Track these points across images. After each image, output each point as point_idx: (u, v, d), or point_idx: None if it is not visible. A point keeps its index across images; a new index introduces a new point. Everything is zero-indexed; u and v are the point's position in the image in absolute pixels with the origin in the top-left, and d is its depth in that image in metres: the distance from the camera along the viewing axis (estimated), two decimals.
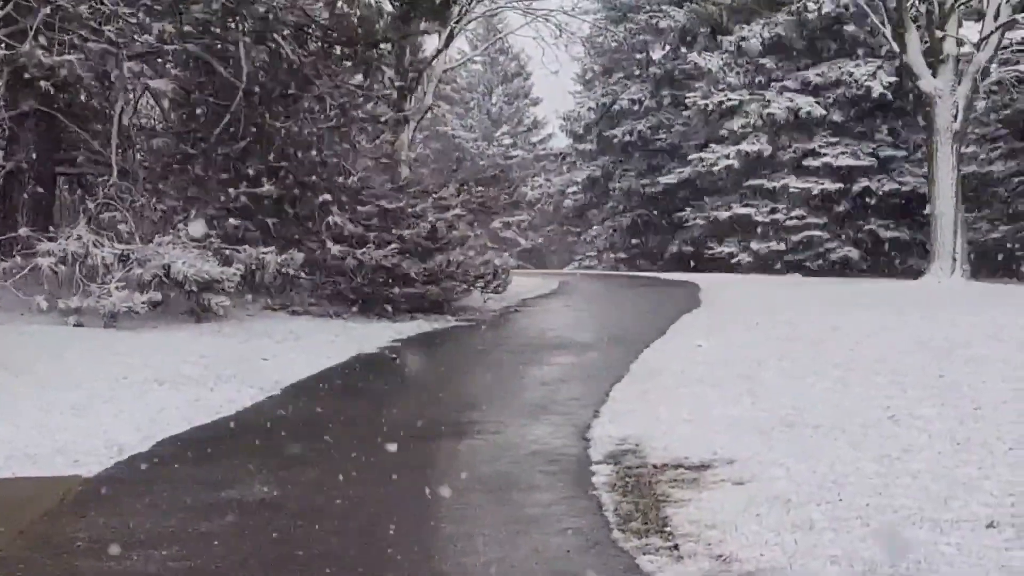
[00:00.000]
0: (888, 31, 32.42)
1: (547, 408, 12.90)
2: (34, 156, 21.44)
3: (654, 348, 17.08)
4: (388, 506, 8.83)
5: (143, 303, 18.04)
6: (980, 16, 31.58)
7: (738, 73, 47.18)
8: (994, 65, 32.13)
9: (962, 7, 31.32)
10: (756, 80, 46.80)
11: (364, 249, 21.06)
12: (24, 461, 10.29)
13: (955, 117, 31.08)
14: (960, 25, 31.90)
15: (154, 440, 11.19)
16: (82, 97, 21.31)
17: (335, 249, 21.04)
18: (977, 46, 31.24)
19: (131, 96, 21.06)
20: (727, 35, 47.35)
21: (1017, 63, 33.36)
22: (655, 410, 11.93)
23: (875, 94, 43.66)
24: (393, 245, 21.36)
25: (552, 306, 26.80)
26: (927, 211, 40.18)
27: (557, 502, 8.77)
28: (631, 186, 54.81)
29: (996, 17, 30.46)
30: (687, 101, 49.58)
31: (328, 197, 21.45)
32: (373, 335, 19.78)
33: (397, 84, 24.69)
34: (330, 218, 21.25)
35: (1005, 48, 32.62)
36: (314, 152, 21.78)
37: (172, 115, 22.59)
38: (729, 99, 46.75)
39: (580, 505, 8.58)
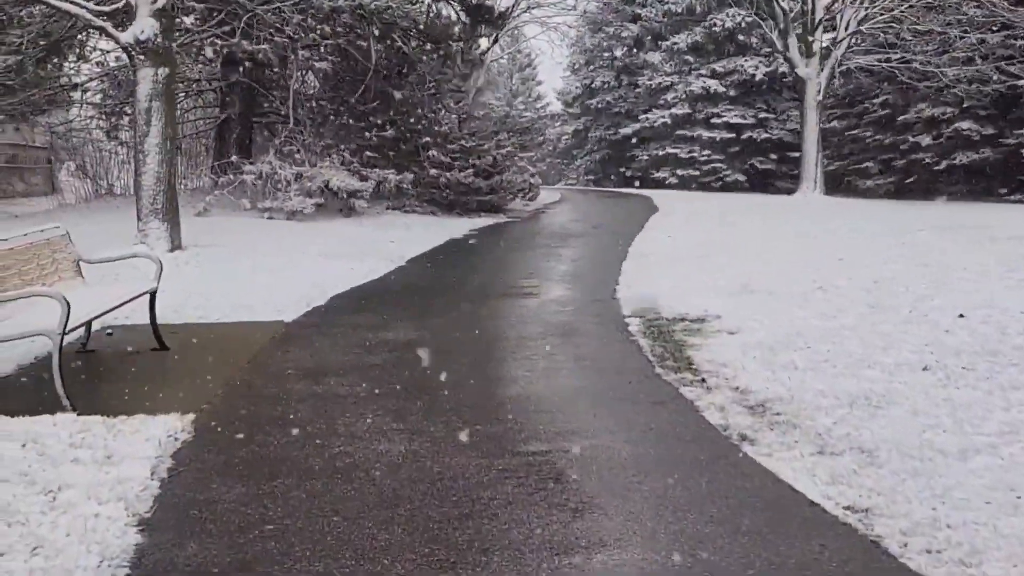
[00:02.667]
0: (775, 36, 31.22)
1: (582, 278, 11.82)
2: (238, 111, 20.53)
3: (639, 239, 15.99)
4: (490, 345, 7.79)
5: (312, 204, 17.11)
6: (836, 26, 30.20)
7: (671, 64, 46.47)
8: (847, 57, 30.68)
9: (824, 21, 30.01)
10: (682, 69, 45.96)
11: (451, 172, 20.24)
12: (242, 310, 9.30)
13: (819, 92, 30.20)
14: (824, 31, 30.60)
15: (328, 295, 10.17)
16: (268, 73, 20.60)
17: (432, 172, 20.27)
18: (834, 45, 29.90)
19: (300, 73, 19.94)
20: (665, 41, 46.53)
21: (857, 58, 31.79)
22: (655, 281, 10.83)
23: (757, 79, 43.24)
24: (470, 170, 20.50)
25: (563, 209, 25.63)
26: (797, 153, 39.95)
27: (608, 344, 7.73)
28: (601, 135, 54.30)
29: (847, 28, 29.40)
30: (638, 82, 48.85)
31: (428, 139, 20.63)
32: (457, 226, 18.76)
33: (463, 72, 23.42)
34: (430, 152, 20.32)
35: (851, 48, 31.23)
36: (419, 110, 20.72)
37: (325, 86, 21.36)
38: (665, 81, 46.19)
39: (625, 348, 7.53)
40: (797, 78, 31.05)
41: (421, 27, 19.98)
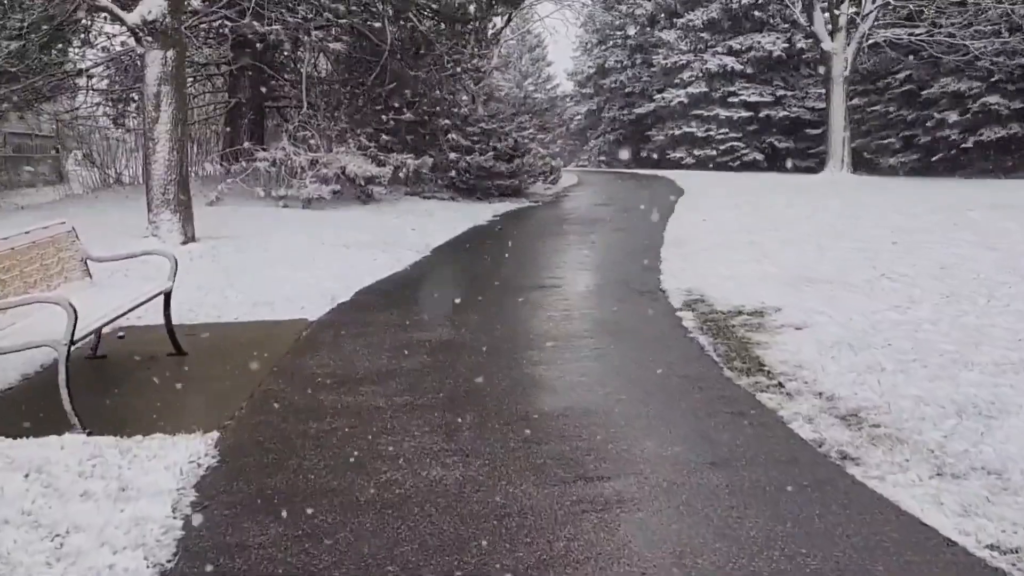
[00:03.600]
0: (798, 10, 30.40)
1: (621, 267, 11.15)
2: (249, 96, 19.89)
3: (672, 223, 15.30)
4: (535, 345, 7.10)
5: (329, 192, 16.48)
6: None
7: (687, 42, 45.64)
8: (873, 31, 29.76)
9: None
10: (698, 47, 45.18)
11: (471, 156, 19.56)
12: (264, 307, 8.68)
13: (845, 67, 29.38)
14: (849, 4, 29.69)
15: (353, 290, 9.55)
16: (279, 57, 19.91)
17: (452, 155, 19.62)
18: (861, 19, 29.04)
19: (312, 55, 19.26)
20: (680, 18, 45.59)
21: (883, 31, 30.81)
22: (701, 270, 10.17)
23: (774, 56, 42.36)
24: (490, 153, 19.81)
25: (584, 192, 24.92)
26: (815, 131, 39.50)
27: (665, 342, 7.07)
28: (615, 115, 53.99)
29: (873, 0, 28.50)
30: (653, 61, 48.31)
31: (447, 122, 19.96)
32: (479, 212, 18.13)
33: (479, 52, 22.67)
34: (449, 135, 19.63)
35: (878, 21, 30.32)
36: (437, 92, 19.98)
37: (338, 68, 20.67)
38: (681, 59, 45.35)
39: (685, 346, 6.88)
40: (822, 53, 30.28)
41: (435, 6, 19.27)
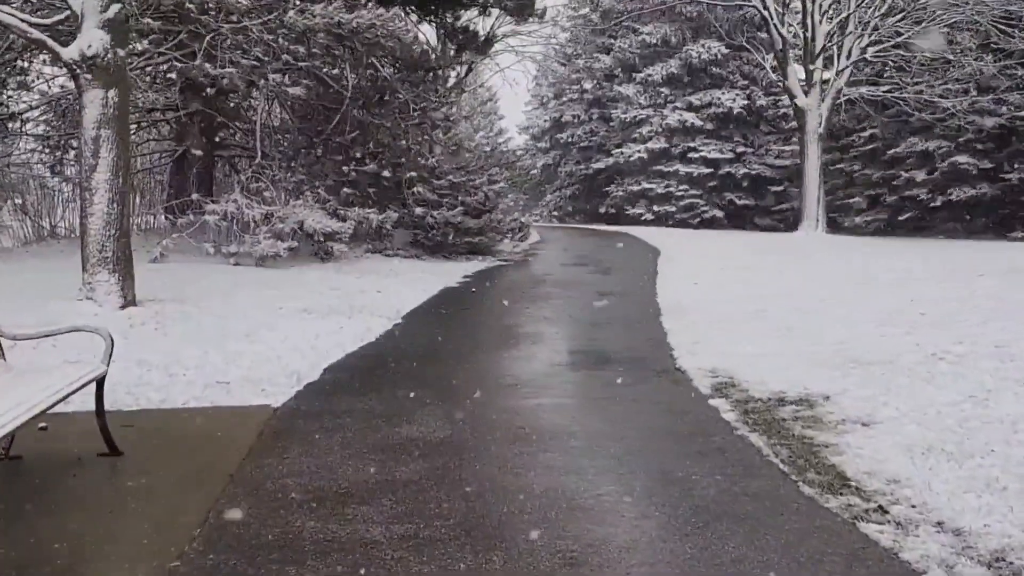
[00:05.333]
0: (768, 64, 30.01)
1: (623, 340, 9.90)
2: (198, 144, 18.55)
3: (662, 288, 14.15)
4: (548, 451, 5.86)
5: (285, 249, 15.15)
6: (840, 49, 28.79)
7: (646, 97, 45.06)
8: (846, 88, 29.22)
9: (825, 51, 28.62)
10: (657, 102, 44.60)
11: (439, 211, 18.35)
12: (218, 389, 7.37)
13: (820, 124, 28.69)
14: (825, 62, 29.21)
15: (320, 368, 8.24)
16: (232, 103, 18.62)
17: (418, 210, 18.37)
18: (836, 75, 28.54)
19: (267, 103, 18.07)
20: (639, 72, 44.82)
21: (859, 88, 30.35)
22: (716, 344, 9.01)
23: (734, 112, 42.06)
24: (459, 208, 18.61)
25: (553, 251, 23.58)
26: (777, 188, 39.05)
27: (710, 442, 5.83)
28: (572, 170, 53.05)
29: (848, 56, 28.01)
30: (612, 115, 47.61)
31: (413, 174, 18.63)
32: (448, 272, 16.89)
33: (447, 99, 21.61)
34: (415, 188, 18.38)
35: (853, 78, 29.87)
36: (402, 142, 18.73)
37: (294, 116, 19.42)
38: (640, 114, 44.80)
39: (737, 449, 5.65)
40: (796, 109, 29.67)
41: (397, 53, 18.20)
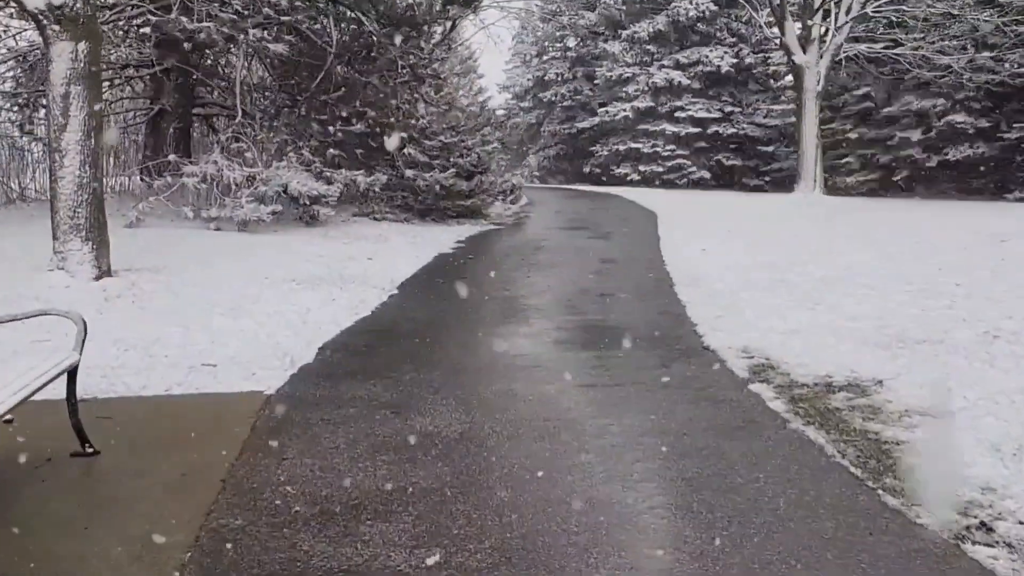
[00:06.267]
0: (762, 21, 29.16)
1: (640, 313, 9.20)
2: (174, 102, 17.71)
3: (669, 254, 13.45)
4: (580, 444, 5.26)
5: (268, 213, 14.35)
6: (838, 5, 28.01)
7: (632, 55, 44.22)
8: (846, 44, 28.41)
9: (824, 5, 27.82)
10: (644, 60, 43.81)
11: (431, 173, 17.53)
12: (203, 373, 6.67)
13: (818, 82, 27.96)
14: (824, 16, 28.35)
15: (315, 347, 7.56)
16: (209, 60, 17.75)
17: (409, 172, 17.52)
18: (836, 30, 27.69)
19: (247, 59, 17.17)
20: (624, 30, 44.06)
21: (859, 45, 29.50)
22: (743, 319, 8.37)
23: (722, 71, 41.35)
24: (451, 170, 17.81)
25: (545, 213, 22.65)
26: (767, 148, 38.40)
27: (762, 438, 5.19)
28: (555, 130, 52.13)
29: (848, 12, 27.22)
30: (596, 74, 46.89)
31: (403, 135, 17.70)
32: (440, 237, 16.17)
33: (439, 56, 20.70)
34: (405, 150, 17.55)
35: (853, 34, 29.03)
36: (392, 100, 17.83)
37: (276, 74, 18.53)
38: (626, 72, 43.99)
39: (793, 446, 5.02)
40: (794, 66, 28.84)
41: (381, 8, 17.31)
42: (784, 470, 4.61)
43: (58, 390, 5.17)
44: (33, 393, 4.40)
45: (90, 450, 4.99)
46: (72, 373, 4.98)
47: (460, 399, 5.99)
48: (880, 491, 4.29)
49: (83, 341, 5.05)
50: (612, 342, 7.75)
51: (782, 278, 10.45)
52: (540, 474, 4.58)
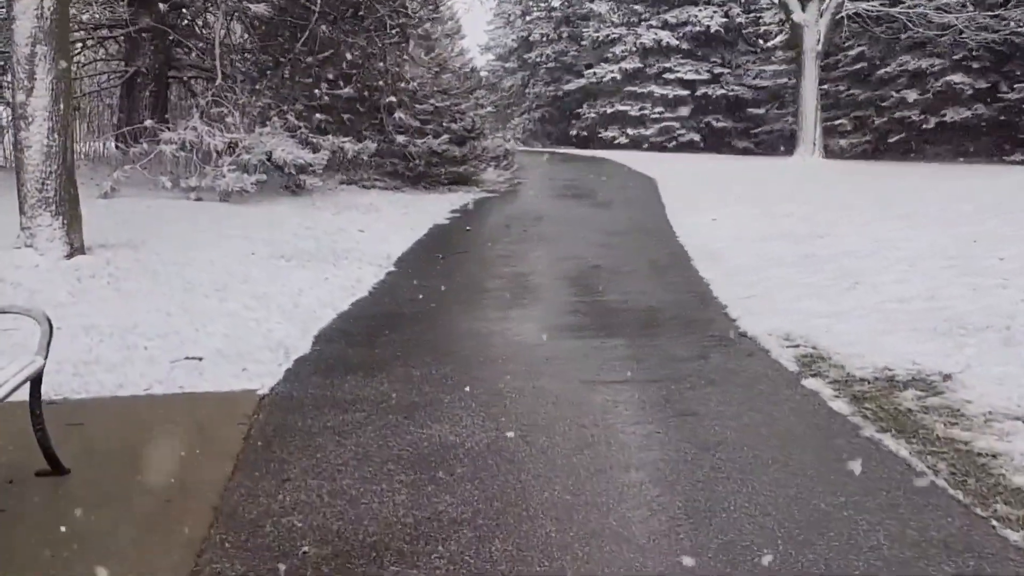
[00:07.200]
0: None
1: (667, 297, 8.43)
2: (150, 64, 16.78)
3: (677, 225, 12.74)
4: (657, 476, 4.60)
5: (253, 183, 13.52)
6: None
7: (619, 15, 43.45)
8: (848, 3, 27.56)
9: None
10: (631, 20, 42.99)
11: (423, 139, 16.71)
12: (188, 369, 5.98)
13: (818, 41, 27.14)
14: None
15: (311, 335, 6.88)
16: (186, 20, 16.81)
17: (400, 138, 16.67)
18: None
19: (226, 19, 16.22)
20: None
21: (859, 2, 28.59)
22: (775, 301, 7.70)
23: (712, 30, 40.48)
24: (444, 136, 16.99)
25: (538, 180, 21.68)
26: (757, 111, 37.64)
27: (831, 445, 4.53)
28: (541, 91, 51.01)
29: None
30: (583, 34, 45.86)
31: (393, 99, 16.84)
32: (433, 207, 15.42)
33: (429, 15, 19.76)
34: (396, 115, 16.68)
35: None
36: (380, 63, 16.90)
37: (256, 35, 17.54)
38: (613, 33, 43.10)
39: (881, 464, 4.32)
40: (793, 25, 27.99)
41: None
42: (871, 493, 3.95)
43: (22, 391, 4.44)
44: None
45: (58, 470, 4.29)
46: (36, 381, 4.25)
47: (479, 400, 5.31)
48: (994, 522, 3.63)
49: (48, 343, 4.33)
50: (637, 327, 7.08)
51: (808, 252, 9.76)
52: (590, 502, 3.91)
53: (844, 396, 5.22)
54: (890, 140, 30.87)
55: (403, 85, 17.26)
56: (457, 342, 6.73)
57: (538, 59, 50.69)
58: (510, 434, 4.71)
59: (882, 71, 30.15)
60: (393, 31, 16.48)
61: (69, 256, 8.94)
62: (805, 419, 4.92)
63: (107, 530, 3.74)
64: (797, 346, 6.26)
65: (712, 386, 5.52)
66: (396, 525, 3.71)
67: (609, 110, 42.85)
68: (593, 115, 44.34)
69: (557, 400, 5.29)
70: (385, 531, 3.66)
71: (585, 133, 45.37)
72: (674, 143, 41.02)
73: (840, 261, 9.13)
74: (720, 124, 41.52)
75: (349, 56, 16.06)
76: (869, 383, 5.43)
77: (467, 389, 5.49)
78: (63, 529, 3.75)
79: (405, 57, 17.30)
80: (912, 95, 29.32)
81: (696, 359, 6.13)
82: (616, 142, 42.00)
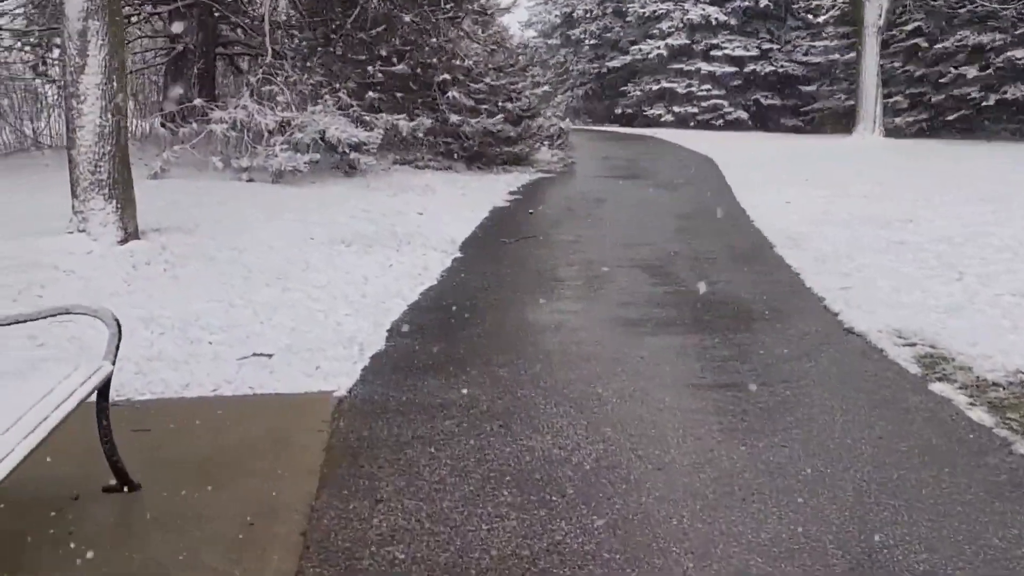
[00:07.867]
0: None
1: (757, 288, 7.85)
2: (197, 41, 16.36)
3: (749, 208, 12.17)
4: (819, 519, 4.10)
5: (305, 163, 13.12)
6: None
7: None
8: None
9: None
10: None
11: (478, 119, 16.21)
12: (257, 367, 5.56)
13: (879, 16, 26.32)
14: None
15: (383, 329, 6.42)
16: None
17: (454, 118, 16.14)
18: None
19: None
20: None
21: None
22: (877, 292, 7.17)
23: (761, 5, 39.78)
24: (500, 115, 16.49)
25: (591, 160, 20.98)
26: (808, 88, 36.82)
27: (990, 469, 4.02)
28: (585, 68, 50.29)
29: None
30: (628, 9, 44.88)
31: (447, 76, 16.33)
32: (491, 188, 14.96)
33: None
34: (450, 93, 16.18)
35: None
36: (434, 39, 16.37)
37: (303, 10, 17.06)
38: (659, 8, 42.17)
39: None
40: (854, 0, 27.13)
41: None
42: None
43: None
44: (51, 433, 3.26)
45: (127, 485, 3.88)
46: (103, 389, 3.84)
47: (578, 405, 4.85)
48: None
49: (117, 346, 3.91)
50: (731, 322, 6.57)
51: (898, 239, 9.19)
52: (721, 527, 3.45)
53: (981, 404, 4.71)
54: (947, 118, 30.00)
55: (457, 63, 16.73)
56: (539, 336, 6.26)
57: (581, 35, 50.02)
58: (620, 447, 4.25)
59: (939, 46, 29.27)
60: (448, 6, 15.93)
61: (123, 241, 8.57)
62: (944, 431, 4.42)
63: (184, 562, 3.33)
64: (913, 344, 5.74)
65: (829, 391, 5.02)
66: (511, 558, 3.27)
67: (655, 87, 42.22)
68: (638, 93, 43.61)
69: (664, 407, 4.82)
70: (500, 566, 3.23)
71: (630, 111, 44.61)
72: (721, 121, 40.38)
73: (935, 248, 8.57)
74: (769, 102, 40.91)
75: (402, 32, 15.53)
76: (1004, 388, 4.92)
77: (561, 393, 5.04)
78: (133, 559, 3.35)
79: (460, 33, 16.76)
80: (971, 71, 28.44)
81: (803, 359, 5.63)
82: (662, 120, 41.38)
